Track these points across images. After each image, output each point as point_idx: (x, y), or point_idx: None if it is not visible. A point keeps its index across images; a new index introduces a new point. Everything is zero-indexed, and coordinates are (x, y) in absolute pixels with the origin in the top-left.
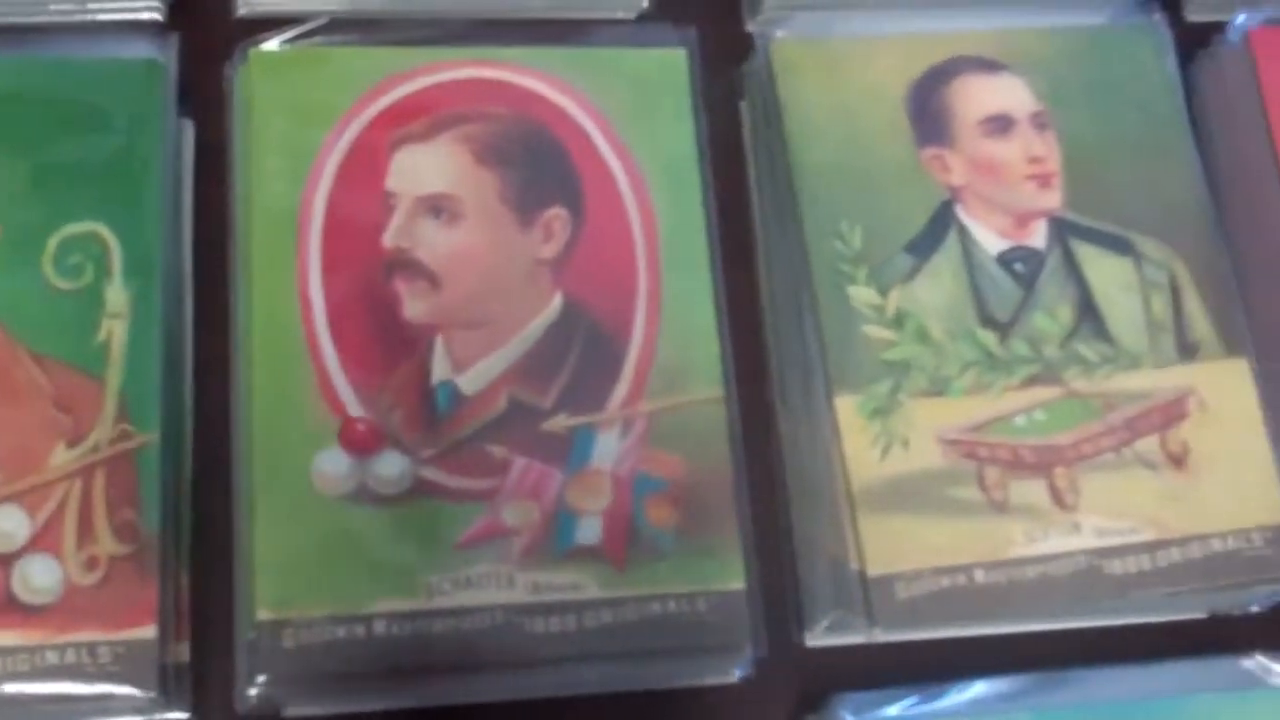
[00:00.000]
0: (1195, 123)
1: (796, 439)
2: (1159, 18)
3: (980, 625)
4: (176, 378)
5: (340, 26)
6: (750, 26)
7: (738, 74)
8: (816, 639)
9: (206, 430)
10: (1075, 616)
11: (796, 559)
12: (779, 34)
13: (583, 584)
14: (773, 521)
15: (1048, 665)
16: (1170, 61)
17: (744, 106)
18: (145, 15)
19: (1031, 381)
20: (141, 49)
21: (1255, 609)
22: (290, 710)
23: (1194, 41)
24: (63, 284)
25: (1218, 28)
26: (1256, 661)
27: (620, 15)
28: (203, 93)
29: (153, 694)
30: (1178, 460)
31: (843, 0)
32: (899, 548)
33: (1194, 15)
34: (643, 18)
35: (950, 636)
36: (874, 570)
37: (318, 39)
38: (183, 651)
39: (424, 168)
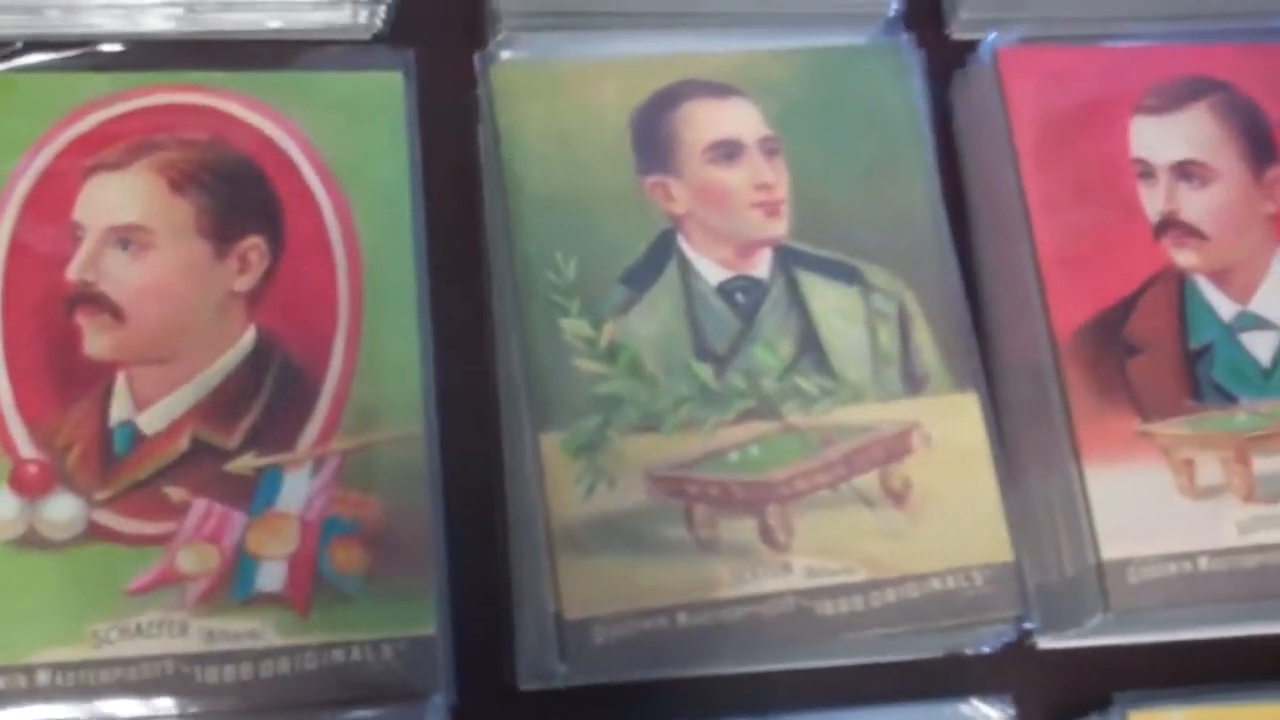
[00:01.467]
0: (953, 145)
1: (515, 477)
2: (907, 38)
3: (684, 669)
4: None
5: (40, 50)
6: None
7: (472, 98)
8: (529, 684)
9: None
10: (788, 659)
11: (512, 601)
12: (504, 56)
13: (261, 631)
14: (492, 563)
15: (766, 709)
16: (915, 83)
17: (480, 131)
18: None
19: (747, 416)
20: None
21: (986, 650)
22: None
23: (956, 61)
24: None
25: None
26: (972, 706)
27: (355, 37)
28: None
29: None
30: (898, 497)
31: (579, 21)
32: (599, 590)
33: (959, 33)
34: (378, 39)
35: (669, 678)
36: (571, 614)
37: (15, 64)
38: None
39: (115, 197)
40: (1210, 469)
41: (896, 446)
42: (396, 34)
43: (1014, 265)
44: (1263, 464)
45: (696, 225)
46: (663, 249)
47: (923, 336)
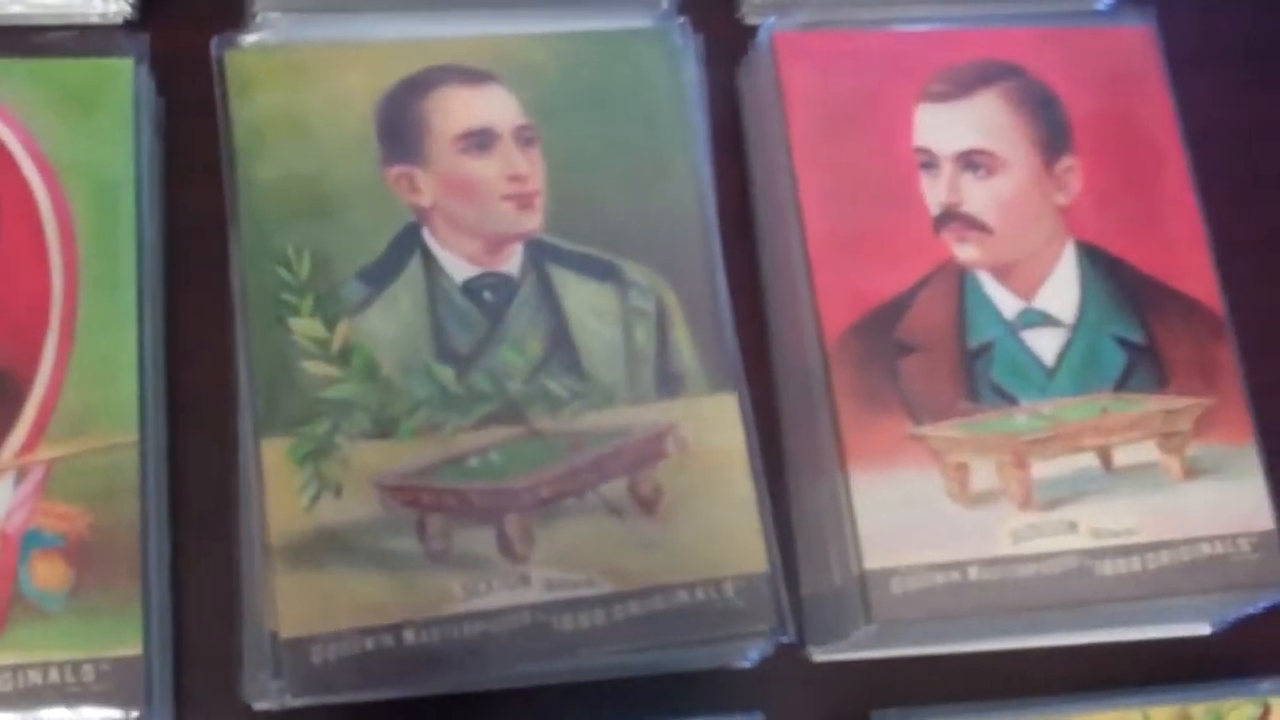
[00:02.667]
0: (741, 134)
1: (244, 487)
2: (681, 22)
3: (412, 688)
4: None
5: None
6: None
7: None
8: (260, 704)
9: None
10: (528, 677)
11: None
12: (244, 41)
13: None
14: (226, 577)
15: None
16: (687, 70)
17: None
18: None
19: (489, 420)
20: None
21: (746, 664)
22: None
23: (744, 47)
24: None
25: None
26: None
27: (106, 22)
28: None
29: None
30: (649, 505)
31: (338, 4)
32: (320, 607)
33: (751, 17)
34: (129, 24)
35: (412, 697)
36: (288, 632)
37: None
38: None
39: None
40: (985, 474)
41: (649, 451)
42: (150, 20)
43: (788, 261)
44: (1042, 468)
45: (443, 219)
46: (405, 244)
47: (681, 335)
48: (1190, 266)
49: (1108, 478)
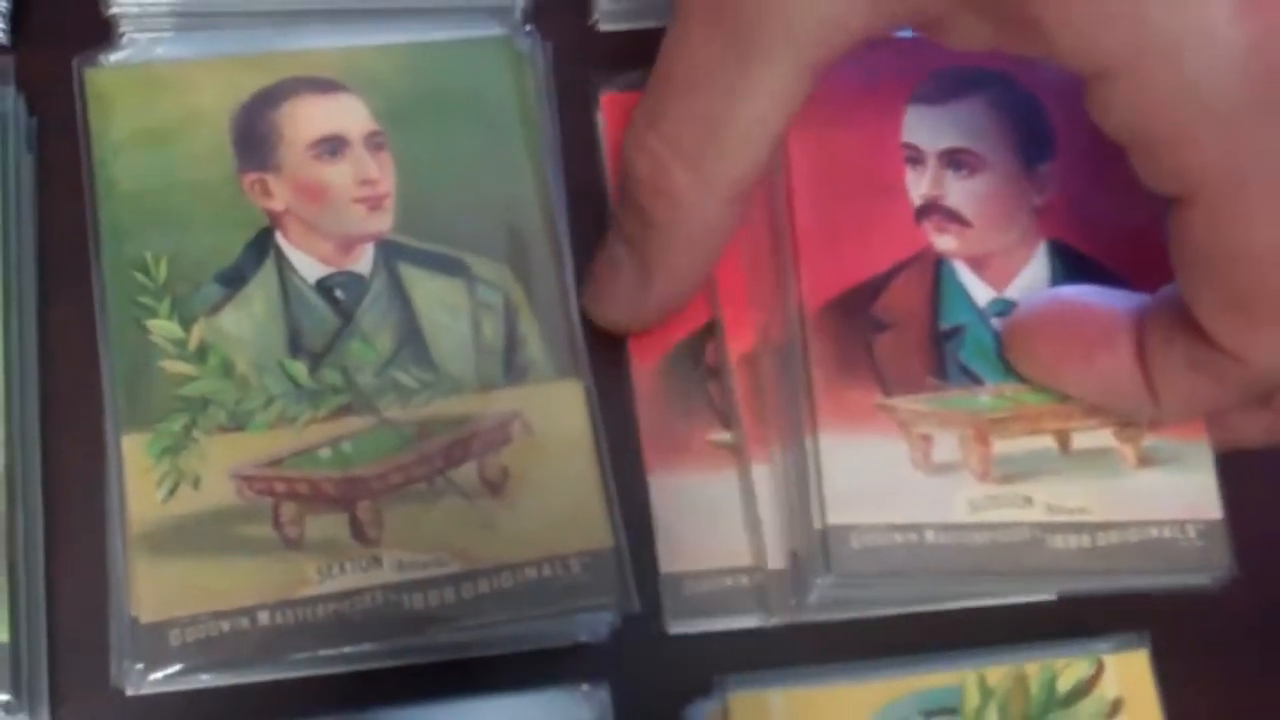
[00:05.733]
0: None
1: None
2: (529, 30)
3: (269, 669)
4: None
5: None
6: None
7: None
8: (135, 689)
9: None
10: (387, 656)
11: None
12: (104, 59)
13: None
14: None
15: (368, 704)
16: (535, 75)
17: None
18: None
19: (341, 412)
20: None
21: (592, 638)
22: None
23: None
24: None
25: (630, 37)
26: (583, 692)
27: None
28: None
29: None
30: (495, 487)
31: (198, 22)
32: (178, 593)
33: (606, 25)
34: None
35: (278, 678)
36: (147, 617)
37: None
38: None
39: None
40: (948, 446)
41: (495, 437)
42: (24, 43)
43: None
44: (1001, 446)
45: (295, 222)
46: (260, 247)
47: (528, 327)
48: (1158, 269)
49: (1064, 459)
